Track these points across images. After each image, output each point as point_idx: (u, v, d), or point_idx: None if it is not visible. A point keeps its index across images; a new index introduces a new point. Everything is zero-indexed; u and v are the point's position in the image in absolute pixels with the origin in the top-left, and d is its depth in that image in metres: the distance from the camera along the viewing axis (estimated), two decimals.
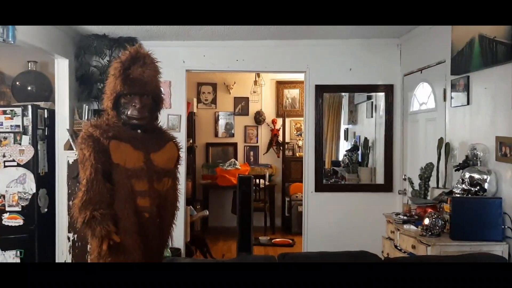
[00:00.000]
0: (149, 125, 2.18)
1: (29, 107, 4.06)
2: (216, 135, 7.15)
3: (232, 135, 7.16)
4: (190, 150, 5.98)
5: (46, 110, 4.28)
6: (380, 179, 4.87)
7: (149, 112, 2.14)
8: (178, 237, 4.43)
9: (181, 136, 4.61)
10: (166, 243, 2.30)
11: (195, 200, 6.67)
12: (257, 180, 6.43)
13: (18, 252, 3.98)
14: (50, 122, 4.31)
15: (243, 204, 5.12)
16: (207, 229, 6.73)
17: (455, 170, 3.19)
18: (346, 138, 5.72)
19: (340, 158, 5.68)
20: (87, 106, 4.42)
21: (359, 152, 5.33)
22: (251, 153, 7.17)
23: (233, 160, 6.84)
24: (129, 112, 2.08)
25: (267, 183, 6.70)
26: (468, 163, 3.03)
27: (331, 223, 4.71)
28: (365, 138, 5.28)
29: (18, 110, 4.04)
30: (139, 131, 2.15)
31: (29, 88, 4.50)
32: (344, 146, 5.68)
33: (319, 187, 4.81)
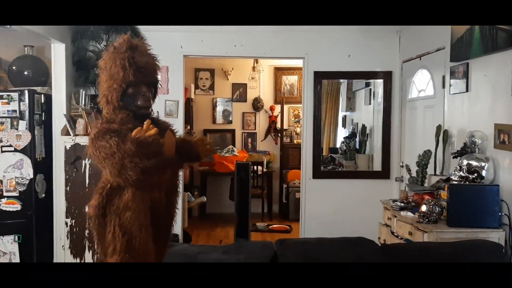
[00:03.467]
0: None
1: (26, 92, 4.03)
2: (214, 121, 7.13)
3: (230, 122, 7.14)
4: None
5: (42, 95, 4.25)
6: (377, 166, 4.87)
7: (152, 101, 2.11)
8: (176, 223, 4.44)
9: (178, 122, 4.60)
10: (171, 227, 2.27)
11: (193, 187, 6.69)
12: (255, 167, 6.43)
13: (16, 237, 3.98)
14: (47, 107, 4.28)
15: (241, 191, 5.12)
16: (205, 215, 6.75)
17: (453, 157, 3.19)
18: (344, 125, 5.72)
19: (338, 145, 5.68)
20: (84, 92, 4.39)
21: (357, 139, 5.33)
22: (249, 139, 7.16)
23: (231, 146, 6.83)
24: (138, 102, 1.99)
25: (265, 169, 6.70)
26: (466, 150, 3.03)
27: (329, 210, 4.73)
28: (363, 125, 5.27)
29: (15, 95, 4.01)
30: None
31: (25, 73, 4.46)
32: (342, 133, 5.67)
33: (317, 174, 4.82)
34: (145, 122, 1.84)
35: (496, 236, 2.76)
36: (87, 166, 4.12)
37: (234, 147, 6.88)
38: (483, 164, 2.87)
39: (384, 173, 4.73)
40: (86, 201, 3.22)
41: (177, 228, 4.60)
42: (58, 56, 4.30)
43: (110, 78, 1.97)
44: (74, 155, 4.14)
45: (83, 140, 4.05)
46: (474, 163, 2.89)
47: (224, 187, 6.83)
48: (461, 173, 2.93)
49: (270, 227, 6.23)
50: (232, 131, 7.15)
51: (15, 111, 4.00)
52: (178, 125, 4.22)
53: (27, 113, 4.01)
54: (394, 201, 3.47)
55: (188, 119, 6.18)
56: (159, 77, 2.13)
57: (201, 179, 6.76)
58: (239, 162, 5.31)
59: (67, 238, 4.16)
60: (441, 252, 2.48)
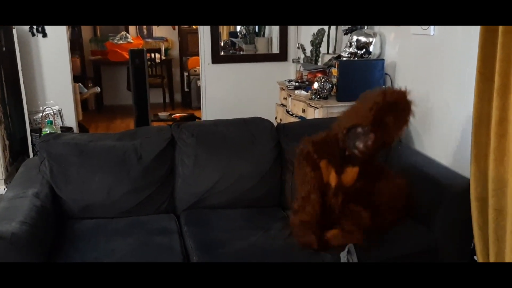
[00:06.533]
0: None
1: None
2: None
3: None
4: None
5: None
6: (275, 48, 4.87)
7: (374, 150, 2.03)
8: (69, 116, 4.19)
9: None
10: None
11: (85, 78, 6.25)
12: (152, 55, 6.12)
13: None
14: None
15: (138, 79, 4.89)
16: (102, 107, 6.45)
17: (344, 34, 3.26)
18: None
19: (238, 29, 5.53)
20: None
21: None
22: (144, 25, 6.68)
23: (124, 33, 6.35)
24: (357, 143, 1.99)
25: (163, 57, 6.42)
26: (356, 26, 3.09)
27: (229, 94, 4.74)
28: None
29: None
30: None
31: None
32: None
33: (216, 59, 4.70)
34: None
35: None
36: None
37: (128, 33, 6.41)
38: (371, 39, 2.97)
39: (282, 55, 4.76)
40: None
41: (71, 121, 4.34)
42: None
43: (357, 109, 2.04)
44: None
45: None
46: (363, 38, 2.98)
47: (121, 78, 6.48)
48: (351, 49, 3.01)
49: (172, 116, 6.16)
50: None
51: None
52: None
53: None
54: (290, 81, 3.54)
55: None
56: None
57: (94, 69, 6.32)
58: (133, 49, 4.99)
59: None
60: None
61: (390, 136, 1.99)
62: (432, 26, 2.51)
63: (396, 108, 1.93)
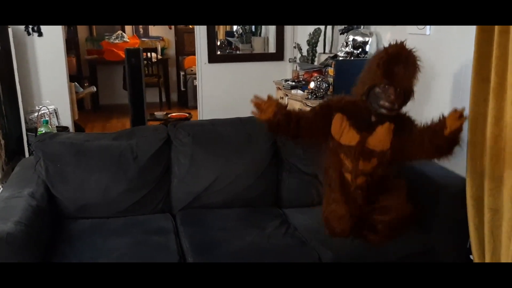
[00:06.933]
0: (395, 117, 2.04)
1: None
2: None
3: None
4: None
5: None
6: (272, 48, 4.87)
7: (399, 106, 2.02)
8: (65, 115, 4.17)
9: None
10: None
11: (82, 77, 6.23)
12: (149, 54, 6.11)
13: None
14: None
15: (134, 79, 4.87)
16: (98, 107, 6.43)
17: (340, 34, 3.26)
18: None
19: (234, 28, 5.52)
20: None
21: None
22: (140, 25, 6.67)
23: (120, 32, 6.33)
24: (381, 102, 1.98)
25: (159, 56, 6.40)
26: (353, 26, 3.10)
27: (225, 94, 4.73)
28: None
29: None
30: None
31: None
32: None
33: (212, 58, 4.70)
34: None
35: None
36: None
37: (124, 32, 6.39)
38: (367, 39, 2.97)
39: (278, 55, 4.76)
40: None
41: (67, 120, 4.32)
42: None
43: (367, 73, 2.06)
44: None
45: None
46: (359, 38, 2.98)
47: (117, 77, 6.46)
48: (347, 49, 3.01)
49: (169, 115, 6.14)
50: None
51: None
52: None
53: None
54: (286, 80, 3.54)
55: None
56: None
57: (90, 68, 6.30)
58: (129, 48, 4.98)
59: None
60: None
61: (407, 86, 2.01)
62: (428, 26, 2.51)
63: (401, 57, 1.98)
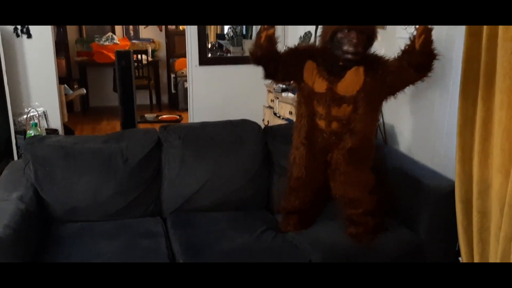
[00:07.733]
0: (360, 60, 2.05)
1: None
2: None
3: None
4: None
5: None
6: None
7: (363, 49, 2.03)
8: (54, 118, 4.14)
9: None
10: None
11: (71, 79, 6.18)
12: (139, 56, 6.09)
13: None
14: None
15: (124, 81, 4.86)
16: (88, 109, 6.39)
17: None
18: None
19: (225, 31, 5.52)
20: None
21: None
22: (131, 26, 6.64)
23: (110, 34, 6.29)
24: (345, 48, 1.99)
25: (150, 59, 6.38)
26: None
27: (216, 96, 4.73)
28: None
29: None
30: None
31: None
32: None
33: (203, 61, 4.69)
34: None
35: None
36: None
37: (114, 34, 6.36)
38: None
39: None
40: None
41: (56, 123, 4.29)
42: None
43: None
44: None
45: None
46: None
47: (107, 79, 6.42)
48: None
49: (159, 118, 6.12)
50: None
51: None
52: None
53: None
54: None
55: None
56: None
57: (80, 70, 6.26)
58: (119, 51, 4.96)
59: None
60: None
61: (369, 27, 2.02)
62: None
63: None
